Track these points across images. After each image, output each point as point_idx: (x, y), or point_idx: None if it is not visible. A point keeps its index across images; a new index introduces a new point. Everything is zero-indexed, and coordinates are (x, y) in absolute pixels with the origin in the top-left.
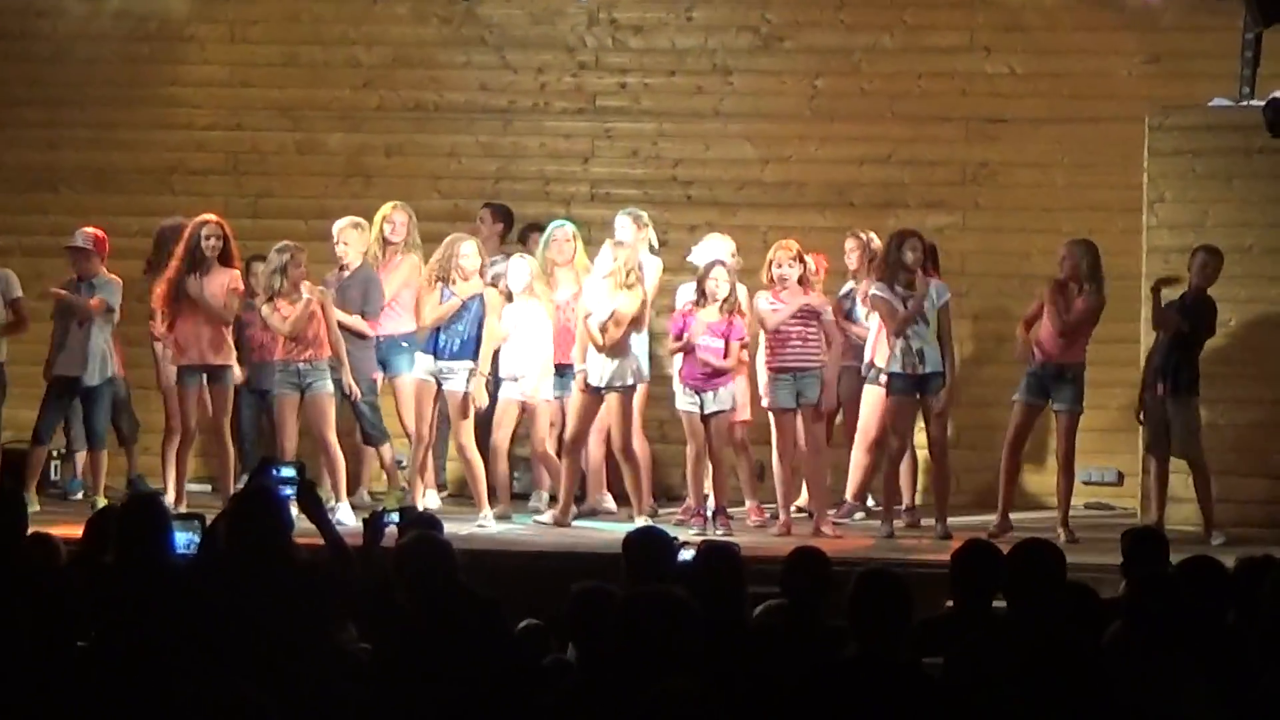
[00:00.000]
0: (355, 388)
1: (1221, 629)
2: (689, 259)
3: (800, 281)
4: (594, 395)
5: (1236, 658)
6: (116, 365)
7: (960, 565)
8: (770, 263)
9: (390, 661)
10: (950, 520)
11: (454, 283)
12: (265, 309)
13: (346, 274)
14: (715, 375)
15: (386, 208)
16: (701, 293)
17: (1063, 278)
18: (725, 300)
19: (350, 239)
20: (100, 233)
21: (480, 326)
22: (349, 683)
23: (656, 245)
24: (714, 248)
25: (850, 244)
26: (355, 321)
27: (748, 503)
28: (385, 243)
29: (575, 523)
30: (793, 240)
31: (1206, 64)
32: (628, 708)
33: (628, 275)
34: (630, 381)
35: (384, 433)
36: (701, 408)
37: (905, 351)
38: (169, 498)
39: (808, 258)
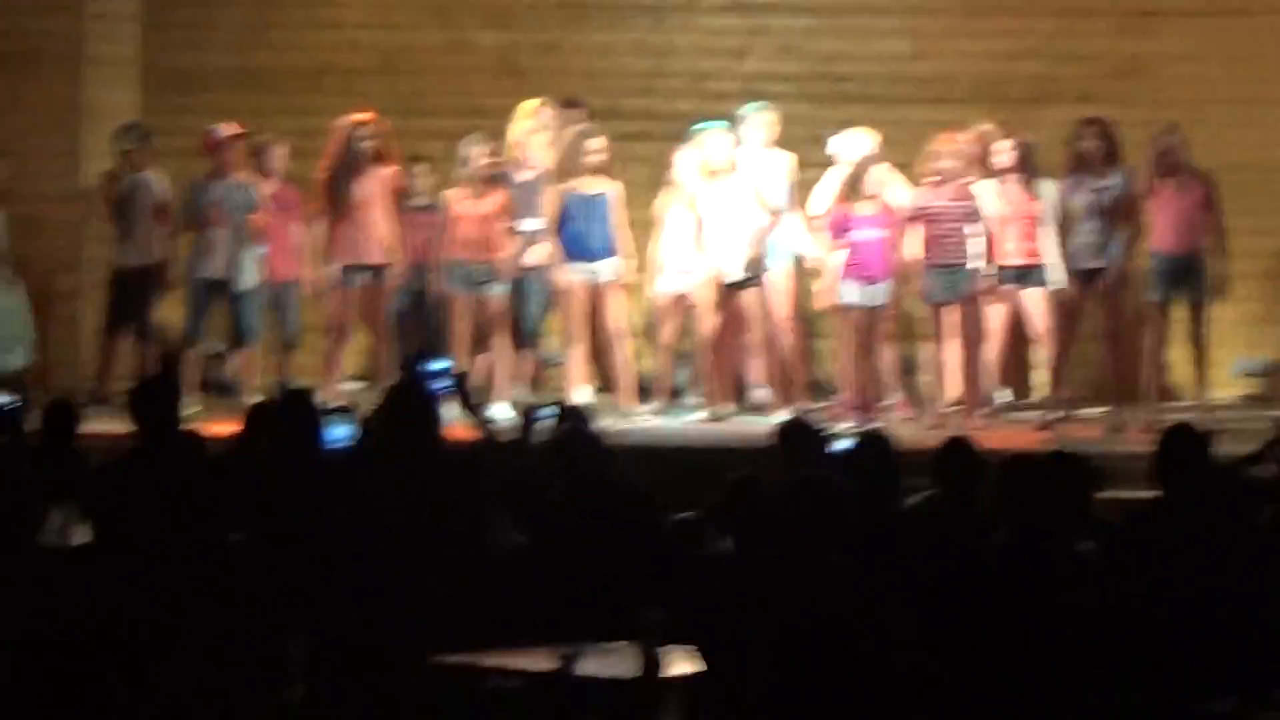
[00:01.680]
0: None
1: None
2: (829, 150)
3: (956, 178)
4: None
5: None
6: (269, 269)
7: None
8: (932, 155)
9: (543, 553)
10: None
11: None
12: (454, 198)
13: (530, 175)
14: (880, 269)
15: (531, 104)
16: (853, 188)
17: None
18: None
19: (533, 143)
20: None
21: (608, 222)
22: (501, 574)
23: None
24: (859, 141)
25: (1005, 144)
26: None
27: (895, 397)
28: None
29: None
30: (951, 134)
31: None
32: (783, 586)
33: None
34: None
35: (538, 335)
36: (870, 300)
37: (1084, 246)
38: (325, 395)
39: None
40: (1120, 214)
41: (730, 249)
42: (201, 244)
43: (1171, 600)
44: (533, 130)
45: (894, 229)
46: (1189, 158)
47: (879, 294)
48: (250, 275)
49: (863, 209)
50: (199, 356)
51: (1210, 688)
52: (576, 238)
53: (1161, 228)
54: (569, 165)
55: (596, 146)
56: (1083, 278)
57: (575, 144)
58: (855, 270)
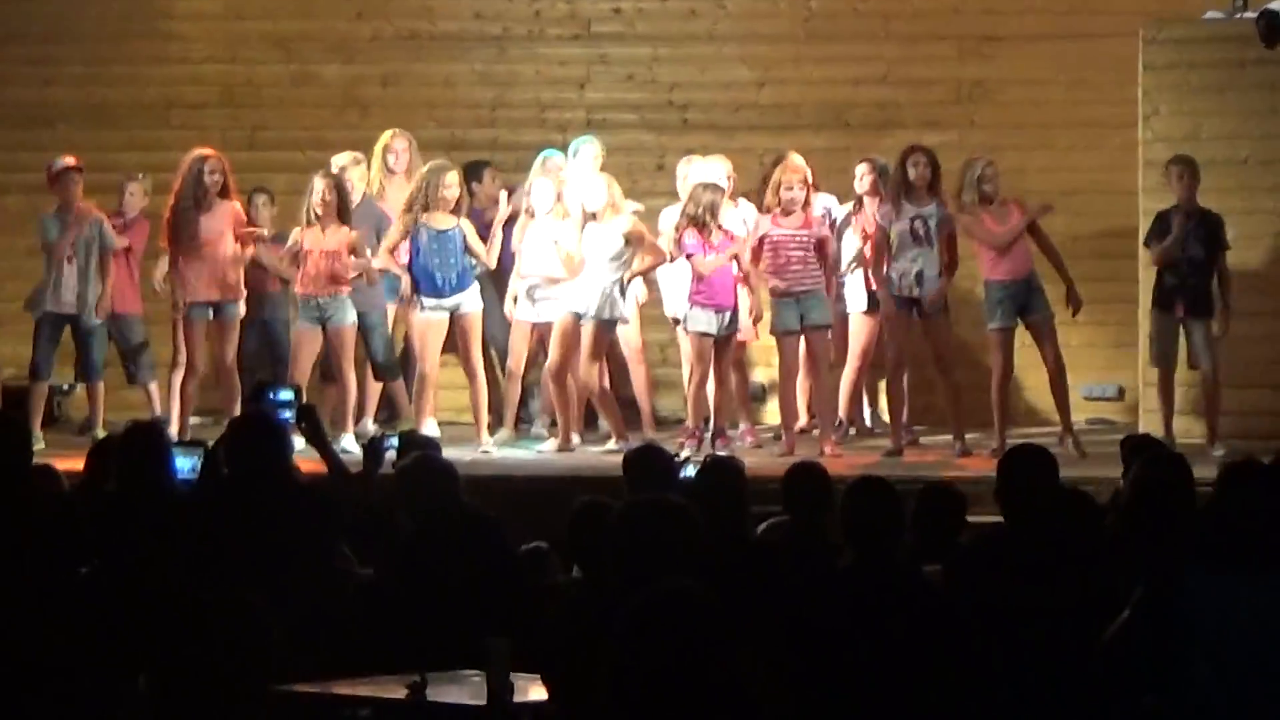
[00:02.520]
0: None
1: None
2: (681, 180)
3: (805, 205)
4: (576, 320)
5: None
6: (114, 303)
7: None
8: (778, 185)
9: (391, 583)
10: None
11: (432, 212)
12: (298, 235)
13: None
14: (727, 297)
15: (386, 136)
16: (696, 217)
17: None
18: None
19: (352, 175)
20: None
21: (464, 255)
22: (349, 604)
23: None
24: (710, 170)
25: (863, 168)
26: (384, 260)
27: (742, 425)
28: (388, 172)
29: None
30: (799, 159)
31: None
32: (625, 610)
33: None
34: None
35: (397, 369)
36: (718, 329)
37: (902, 276)
38: (173, 429)
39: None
40: (940, 243)
41: (583, 287)
42: (51, 278)
43: (1015, 619)
44: (354, 161)
45: (738, 256)
46: (999, 185)
47: (727, 321)
48: (96, 310)
49: (710, 237)
50: (44, 391)
51: (1056, 705)
52: (429, 273)
53: (991, 257)
54: (422, 199)
55: (450, 181)
56: (905, 305)
57: (429, 179)
58: (704, 298)
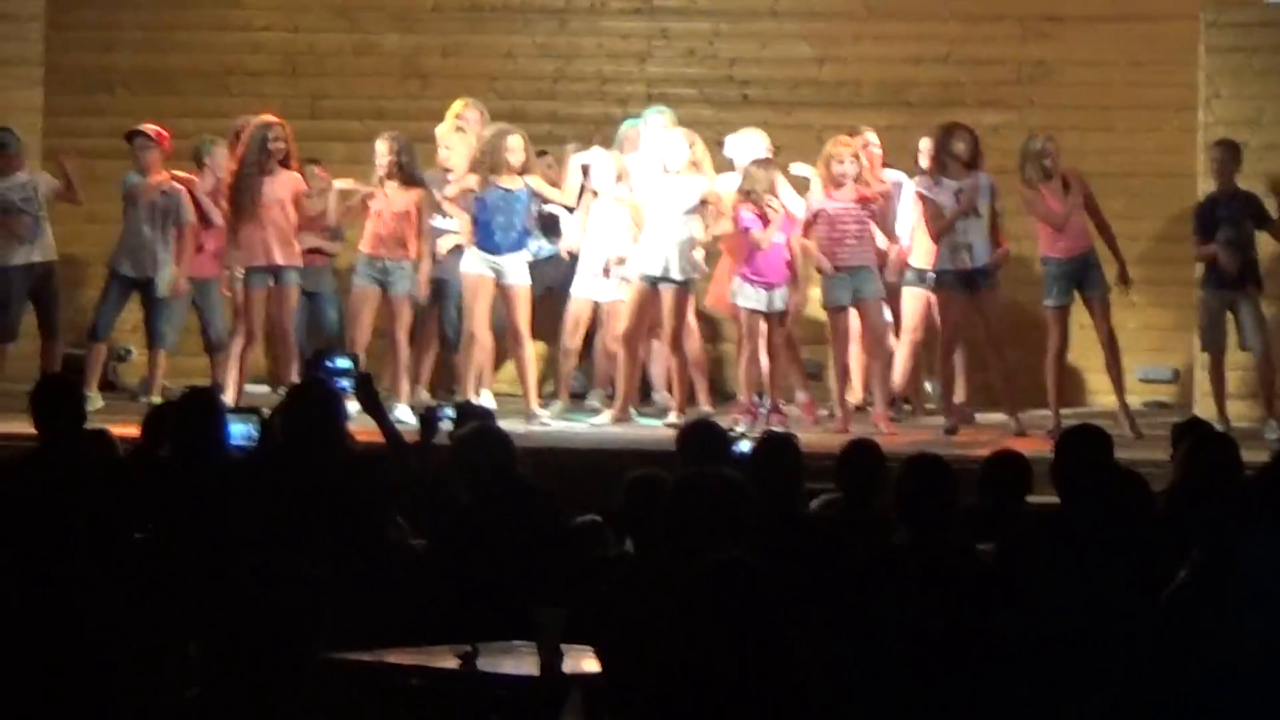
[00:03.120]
0: (425, 290)
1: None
2: (724, 151)
3: (857, 179)
4: (652, 286)
5: None
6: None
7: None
8: (829, 158)
9: (445, 553)
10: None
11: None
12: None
13: (452, 178)
14: (777, 273)
15: (458, 105)
16: (751, 194)
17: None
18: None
19: (454, 143)
20: (164, 131)
21: (526, 218)
22: (402, 574)
23: None
24: (751, 143)
25: (927, 143)
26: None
27: (800, 397)
28: None
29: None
30: (850, 135)
31: None
32: (681, 584)
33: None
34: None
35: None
36: (769, 305)
37: (954, 247)
38: (229, 396)
39: (862, 154)
40: (987, 213)
41: (658, 246)
42: (127, 241)
43: (1068, 603)
44: (457, 130)
45: (791, 233)
46: (1059, 161)
47: (777, 298)
48: (165, 281)
49: (764, 214)
50: (105, 353)
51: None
52: (489, 229)
53: (1049, 233)
54: (488, 162)
55: (514, 145)
56: (958, 280)
57: (494, 142)
58: (755, 275)
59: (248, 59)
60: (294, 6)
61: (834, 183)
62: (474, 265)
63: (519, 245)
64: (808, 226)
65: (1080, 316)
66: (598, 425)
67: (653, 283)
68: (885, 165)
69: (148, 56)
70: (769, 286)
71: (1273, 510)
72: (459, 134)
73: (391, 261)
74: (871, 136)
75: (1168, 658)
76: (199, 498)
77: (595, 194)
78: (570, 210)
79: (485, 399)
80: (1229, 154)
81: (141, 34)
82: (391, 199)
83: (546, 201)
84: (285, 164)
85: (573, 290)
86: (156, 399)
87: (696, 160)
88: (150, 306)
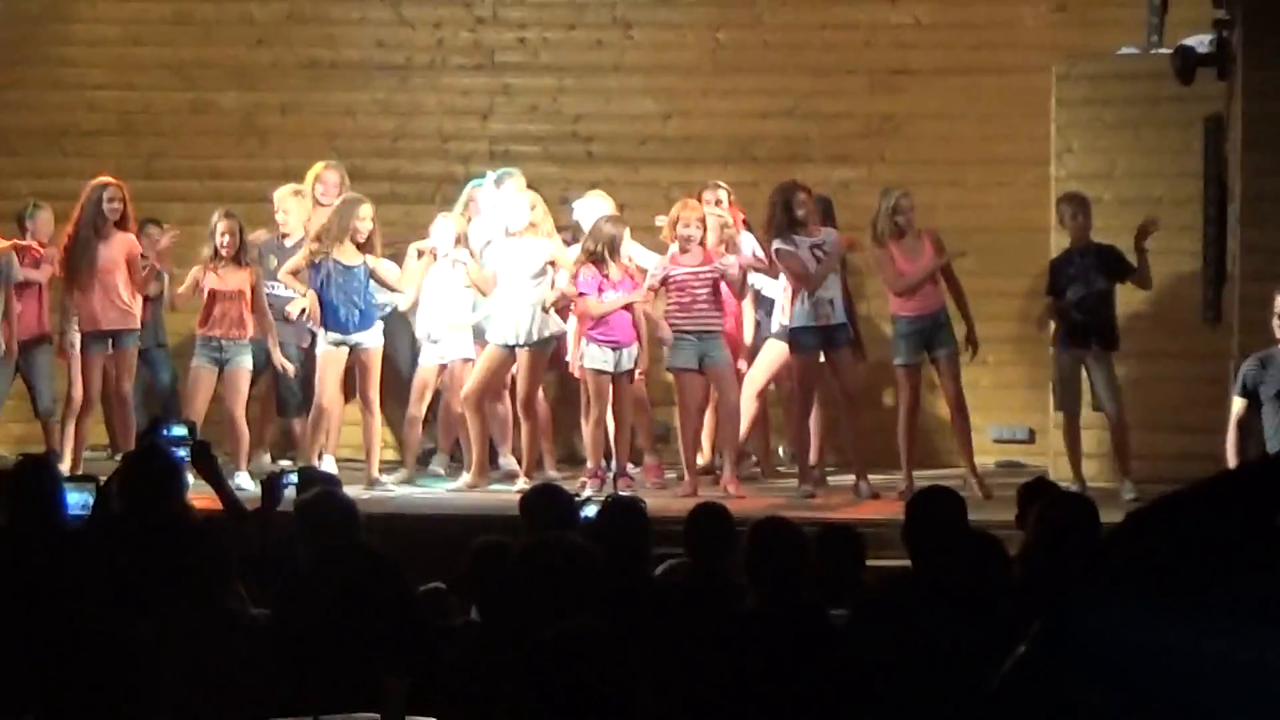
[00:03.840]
0: (289, 365)
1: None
2: (574, 216)
3: (701, 244)
4: (507, 351)
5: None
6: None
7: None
8: (675, 222)
9: (287, 623)
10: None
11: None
12: (198, 273)
13: (289, 243)
14: (625, 334)
15: (318, 167)
16: (595, 253)
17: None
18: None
19: (290, 207)
20: None
21: (369, 293)
22: (242, 645)
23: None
24: (595, 206)
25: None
26: (286, 280)
27: (646, 459)
28: (317, 204)
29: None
30: (696, 200)
31: (1114, 11)
32: (527, 652)
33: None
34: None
35: (300, 403)
36: (616, 366)
37: (819, 303)
38: (64, 464)
39: (720, 213)
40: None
41: (509, 312)
42: None
43: (921, 665)
44: (294, 194)
45: (638, 293)
46: (914, 219)
47: (625, 357)
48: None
49: (609, 273)
50: None
51: None
52: (333, 307)
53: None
54: (335, 231)
55: (364, 214)
56: (815, 339)
57: (345, 209)
58: (602, 335)
59: (83, 118)
60: (129, 64)
61: (681, 248)
62: (325, 347)
63: (367, 322)
64: (654, 292)
65: (931, 375)
66: (454, 490)
67: (508, 348)
68: (746, 225)
69: None
70: (615, 346)
71: (1123, 576)
72: (296, 197)
73: (228, 340)
74: (722, 194)
75: None
76: (34, 569)
77: (434, 257)
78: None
79: (328, 464)
80: (1079, 207)
81: None
82: (225, 279)
83: (383, 285)
84: (122, 225)
85: (420, 358)
86: None
87: (535, 222)
88: None
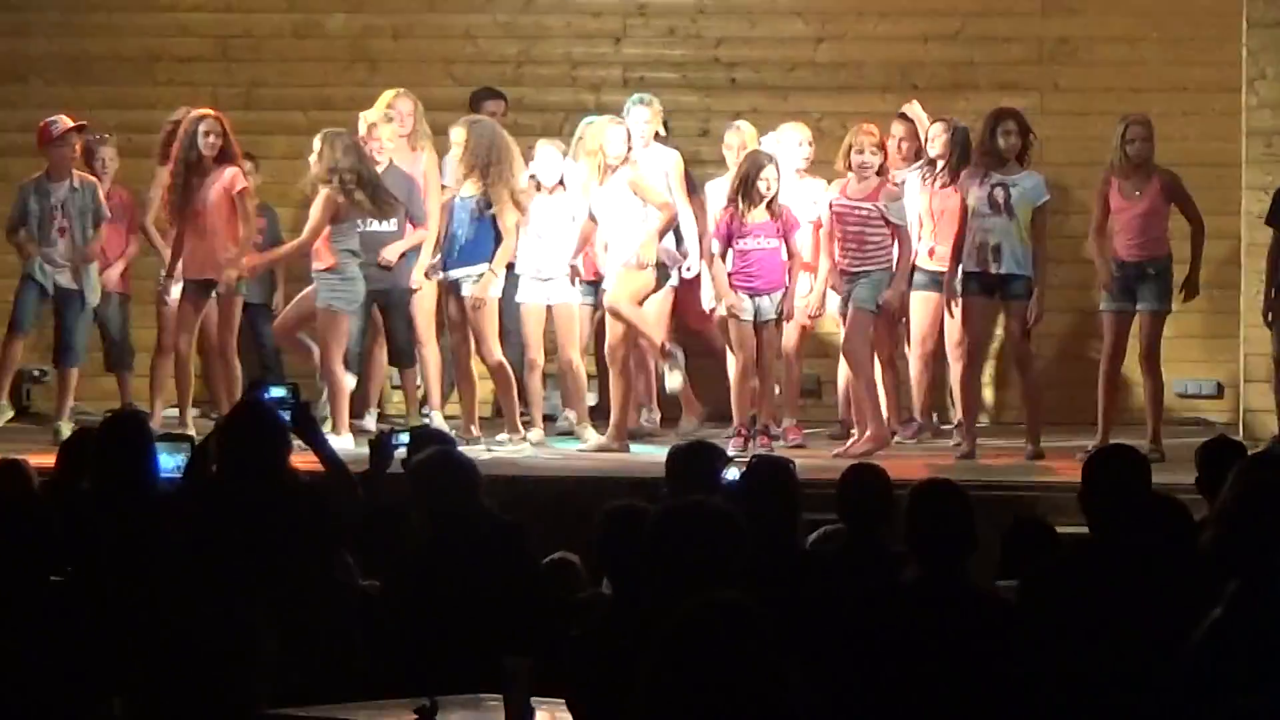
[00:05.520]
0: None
1: None
2: (729, 151)
3: (880, 171)
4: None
5: None
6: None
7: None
8: (849, 148)
9: (400, 596)
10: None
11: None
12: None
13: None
14: (769, 280)
15: (388, 95)
16: (745, 191)
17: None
18: (774, 198)
19: (384, 134)
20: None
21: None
22: (352, 619)
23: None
24: (787, 137)
25: (937, 129)
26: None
27: (786, 422)
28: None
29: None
30: (874, 125)
31: None
32: (663, 628)
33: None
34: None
35: (414, 355)
36: (756, 315)
37: (979, 246)
38: (154, 422)
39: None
40: (1023, 214)
41: (623, 252)
42: (42, 254)
43: (1099, 644)
44: (384, 121)
45: (786, 236)
46: (1147, 149)
47: (767, 306)
48: (95, 290)
49: (755, 216)
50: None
51: None
52: (448, 243)
53: (1115, 232)
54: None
55: (458, 139)
56: (979, 283)
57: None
58: (742, 280)
59: (176, 43)
60: None
61: (857, 176)
62: (529, 293)
63: (471, 258)
64: (819, 225)
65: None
66: (586, 450)
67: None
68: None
69: (64, 42)
70: (755, 294)
71: None
72: (389, 124)
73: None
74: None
75: (1200, 705)
76: (124, 536)
77: (538, 188)
78: None
79: (438, 419)
80: None
81: (56, 15)
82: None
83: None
84: (224, 160)
85: (524, 300)
86: (65, 425)
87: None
88: (70, 320)
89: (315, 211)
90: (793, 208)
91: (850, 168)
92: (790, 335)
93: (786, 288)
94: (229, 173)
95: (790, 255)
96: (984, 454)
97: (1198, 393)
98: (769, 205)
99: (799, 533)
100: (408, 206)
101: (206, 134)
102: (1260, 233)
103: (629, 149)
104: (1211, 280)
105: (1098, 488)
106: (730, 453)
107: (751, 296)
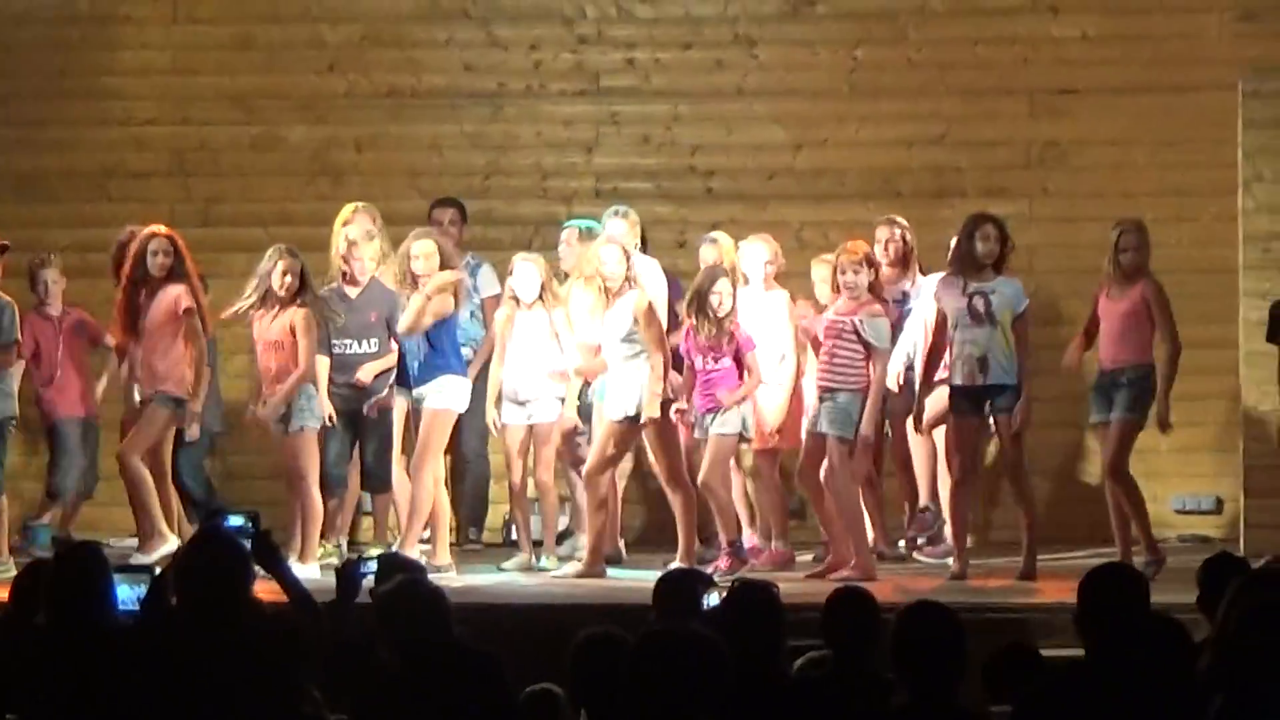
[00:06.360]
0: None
1: None
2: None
3: (872, 288)
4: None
5: None
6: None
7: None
8: (835, 270)
9: None
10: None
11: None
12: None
13: (356, 290)
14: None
15: (347, 210)
16: (699, 307)
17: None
18: (726, 316)
19: (365, 253)
20: None
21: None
22: None
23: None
24: (755, 251)
25: (882, 233)
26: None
27: (774, 544)
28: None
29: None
30: (860, 241)
31: None
32: None
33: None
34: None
35: (389, 479)
36: (705, 431)
37: (964, 360)
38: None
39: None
40: (1005, 323)
41: (621, 374)
42: None
43: None
44: (365, 239)
45: (746, 349)
46: (1140, 258)
47: (717, 422)
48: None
49: (701, 334)
50: None
51: None
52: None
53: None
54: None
55: (417, 253)
56: (967, 398)
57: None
58: (704, 403)
59: (131, 157)
60: (182, 96)
61: (848, 296)
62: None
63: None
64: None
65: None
66: (559, 578)
67: (629, 420)
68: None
69: (16, 157)
70: (707, 410)
71: None
72: (369, 240)
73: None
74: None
75: None
76: (80, 672)
77: (516, 303)
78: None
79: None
80: None
81: (8, 131)
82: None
83: None
84: (173, 279)
85: (504, 420)
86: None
87: (630, 275)
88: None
89: (303, 336)
90: (756, 320)
91: (837, 290)
92: (747, 458)
93: (725, 406)
94: (174, 290)
95: (749, 372)
96: (975, 574)
97: (1196, 508)
98: (720, 323)
99: (783, 659)
100: (390, 324)
101: (155, 253)
102: (1260, 343)
103: (628, 267)
104: (1209, 392)
105: (1094, 607)
106: (719, 575)
107: (706, 412)
